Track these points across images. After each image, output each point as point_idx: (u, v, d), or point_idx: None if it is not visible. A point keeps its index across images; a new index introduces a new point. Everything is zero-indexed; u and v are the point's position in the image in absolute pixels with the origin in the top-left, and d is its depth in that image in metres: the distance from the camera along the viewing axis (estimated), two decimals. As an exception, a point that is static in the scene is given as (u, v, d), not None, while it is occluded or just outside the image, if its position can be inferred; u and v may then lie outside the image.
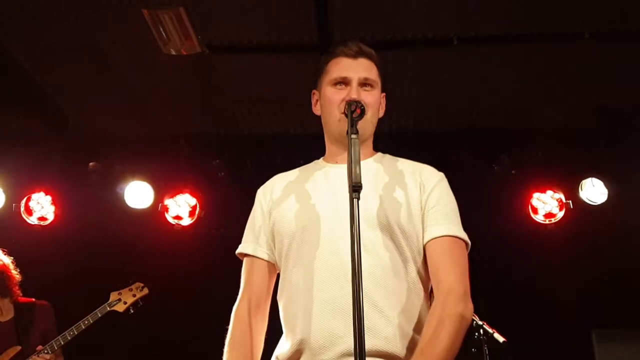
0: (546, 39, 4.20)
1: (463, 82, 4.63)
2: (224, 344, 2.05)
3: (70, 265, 5.01)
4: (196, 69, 4.48)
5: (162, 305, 4.70)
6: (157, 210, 5.10)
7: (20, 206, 5.09)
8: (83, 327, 4.12)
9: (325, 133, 2.23)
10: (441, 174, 2.18)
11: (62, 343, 4.08)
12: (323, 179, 2.14)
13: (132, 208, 5.06)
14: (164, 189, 5.12)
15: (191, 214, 5.12)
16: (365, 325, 1.79)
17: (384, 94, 2.23)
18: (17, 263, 4.73)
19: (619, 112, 4.83)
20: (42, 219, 5.11)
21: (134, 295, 4.29)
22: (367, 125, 2.11)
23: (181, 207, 5.13)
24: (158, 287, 4.71)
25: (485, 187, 5.03)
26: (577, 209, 4.95)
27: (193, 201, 5.14)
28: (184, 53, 4.15)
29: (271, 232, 2.14)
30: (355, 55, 2.15)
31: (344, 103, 2.06)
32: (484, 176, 5.10)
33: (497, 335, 3.71)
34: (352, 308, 1.66)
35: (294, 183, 2.18)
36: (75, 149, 5.27)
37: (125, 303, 4.26)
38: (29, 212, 5.11)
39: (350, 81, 2.12)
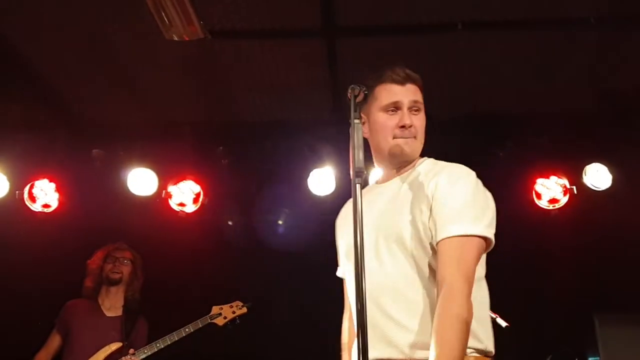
0: (551, 24, 4.16)
1: (467, 67, 4.59)
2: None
3: (73, 252, 5.00)
4: (199, 55, 4.45)
5: (164, 292, 4.72)
6: (160, 197, 5.09)
7: (23, 193, 5.08)
8: (184, 334, 4.24)
9: (374, 155, 2.35)
10: (464, 172, 2.22)
11: (156, 349, 4.18)
12: (370, 199, 2.27)
13: (135, 195, 5.05)
14: (167, 175, 5.12)
15: (195, 200, 5.12)
16: (384, 337, 2.03)
17: None
18: (21, 250, 4.74)
19: (624, 97, 4.80)
20: (45, 206, 5.11)
21: (234, 312, 4.47)
22: (418, 148, 2.28)
23: (185, 194, 5.12)
24: (160, 273, 4.73)
25: (489, 172, 5.00)
26: (581, 195, 4.93)
27: (197, 188, 5.13)
28: (186, 39, 4.11)
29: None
30: (404, 82, 2.26)
31: (397, 129, 2.21)
32: (488, 161, 5.08)
33: (499, 320, 3.71)
34: (373, 320, 1.95)
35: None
36: (78, 136, 5.25)
37: (225, 318, 4.42)
38: (33, 199, 5.10)
39: (402, 106, 2.23)
